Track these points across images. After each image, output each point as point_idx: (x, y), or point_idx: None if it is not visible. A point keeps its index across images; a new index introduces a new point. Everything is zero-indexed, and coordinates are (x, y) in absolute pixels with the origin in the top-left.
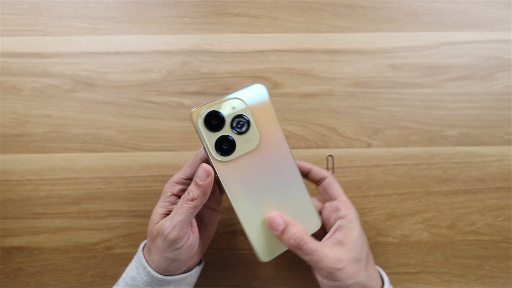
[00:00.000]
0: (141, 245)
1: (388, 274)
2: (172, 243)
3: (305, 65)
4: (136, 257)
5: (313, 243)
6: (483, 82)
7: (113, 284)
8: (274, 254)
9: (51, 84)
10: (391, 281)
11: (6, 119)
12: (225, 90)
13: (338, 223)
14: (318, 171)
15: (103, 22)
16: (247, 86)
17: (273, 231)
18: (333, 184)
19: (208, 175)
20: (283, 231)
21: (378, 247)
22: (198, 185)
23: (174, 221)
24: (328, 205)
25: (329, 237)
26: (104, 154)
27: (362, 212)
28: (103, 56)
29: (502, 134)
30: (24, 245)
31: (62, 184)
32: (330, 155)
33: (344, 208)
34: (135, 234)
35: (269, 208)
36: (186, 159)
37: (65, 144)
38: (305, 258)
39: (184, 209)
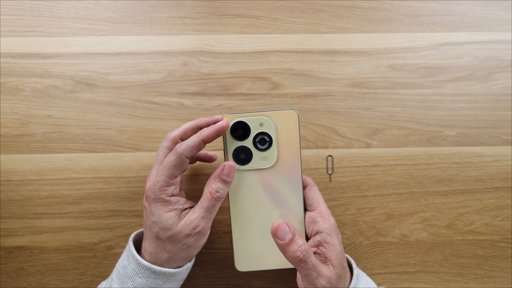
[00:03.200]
0: (132, 235)
1: (387, 273)
2: (201, 236)
3: (304, 66)
4: (126, 248)
5: (314, 258)
6: (482, 82)
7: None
8: (250, 268)
9: (52, 84)
10: (390, 281)
11: (7, 120)
12: (225, 90)
13: (318, 237)
14: (302, 178)
15: (103, 23)
16: (283, 108)
17: (277, 240)
18: (312, 194)
19: (233, 171)
20: (290, 241)
21: (378, 247)
22: (226, 182)
23: (209, 221)
24: (307, 214)
25: (314, 253)
26: (105, 154)
27: (361, 212)
28: (104, 57)
29: (501, 135)
30: (26, 245)
31: (63, 184)
32: (330, 155)
33: (321, 220)
34: None
35: (263, 222)
36: None
37: (66, 144)
38: (305, 272)
39: (216, 208)
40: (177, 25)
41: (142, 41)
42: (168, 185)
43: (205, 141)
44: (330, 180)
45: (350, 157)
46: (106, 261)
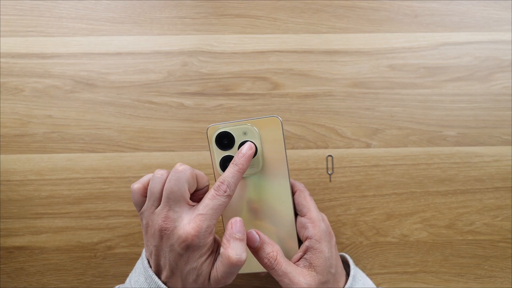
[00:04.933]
0: (145, 259)
1: (387, 273)
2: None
3: (304, 66)
4: (145, 274)
5: (285, 265)
6: (482, 82)
7: (114, 283)
8: (244, 270)
9: (52, 84)
10: (390, 281)
11: (7, 120)
12: (225, 90)
13: (306, 243)
14: (292, 184)
15: (103, 23)
16: (265, 115)
17: (248, 247)
18: (302, 200)
19: (243, 225)
20: (258, 248)
21: (378, 247)
22: (241, 240)
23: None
24: (298, 219)
25: (300, 258)
26: (104, 154)
27: (361, 212)
28: (104, 57)
29: (501, 135)
30: (26, 245)
31: (63, 184)
32: (330, 155)
33: (311, 226)
34: (135, 234)
35: (254, 226)
36: (187, 159)
37: (66, 144)
38: (277, 279)
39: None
40: (177, 25)
41: (142, 41)
42: (213, 228)
43: (244, 172)
44: (330, 180)
45: (350, 157)
46: (106, 261)
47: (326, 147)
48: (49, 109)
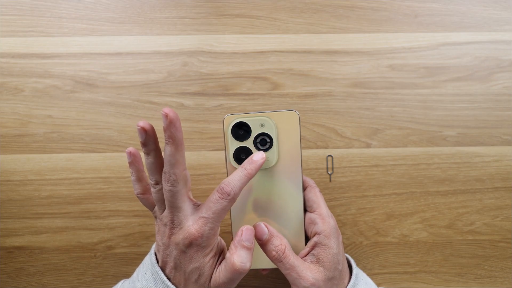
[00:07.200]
0: (154, 254)
1: (387, 273)
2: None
3: (304, 66)
4: (152, 269)
5: (293, 259)
6: (482, 82)
7: (114, 283)
8: (252, 266)
9: (52, 84)
10: (390, 281)
11: (7, 120)
12: (225, 90)
13: (315, 239)
14: (303, 180)
15: (104, 23)
16: (283, 109)
17: (257, 239)
18: (312, 196)
19: (253, 234)
20: (266, 241)
21: (378, 247)
22: (249, 249)
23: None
24: (307, 215)
25: (307, 253)
26: (105, 154)
27: (361, 212)
28: (104, 57)
29: (501, 135)
30: (26, 245)
31: (63, 184)
32: (330, 155)
33: (321, 222)
34: (135, 234)
35: (262, 221)
36: (187, 159)
37: (66, 145)
38: (284, 272)
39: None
40: (177, 25)
41: (142, 41)
42: (218, 229)
43: (251, 178)
44: (330, 180)
45: (350, 157)
46: (106, 261)
47: (326, 147)
48: (49, 109)
